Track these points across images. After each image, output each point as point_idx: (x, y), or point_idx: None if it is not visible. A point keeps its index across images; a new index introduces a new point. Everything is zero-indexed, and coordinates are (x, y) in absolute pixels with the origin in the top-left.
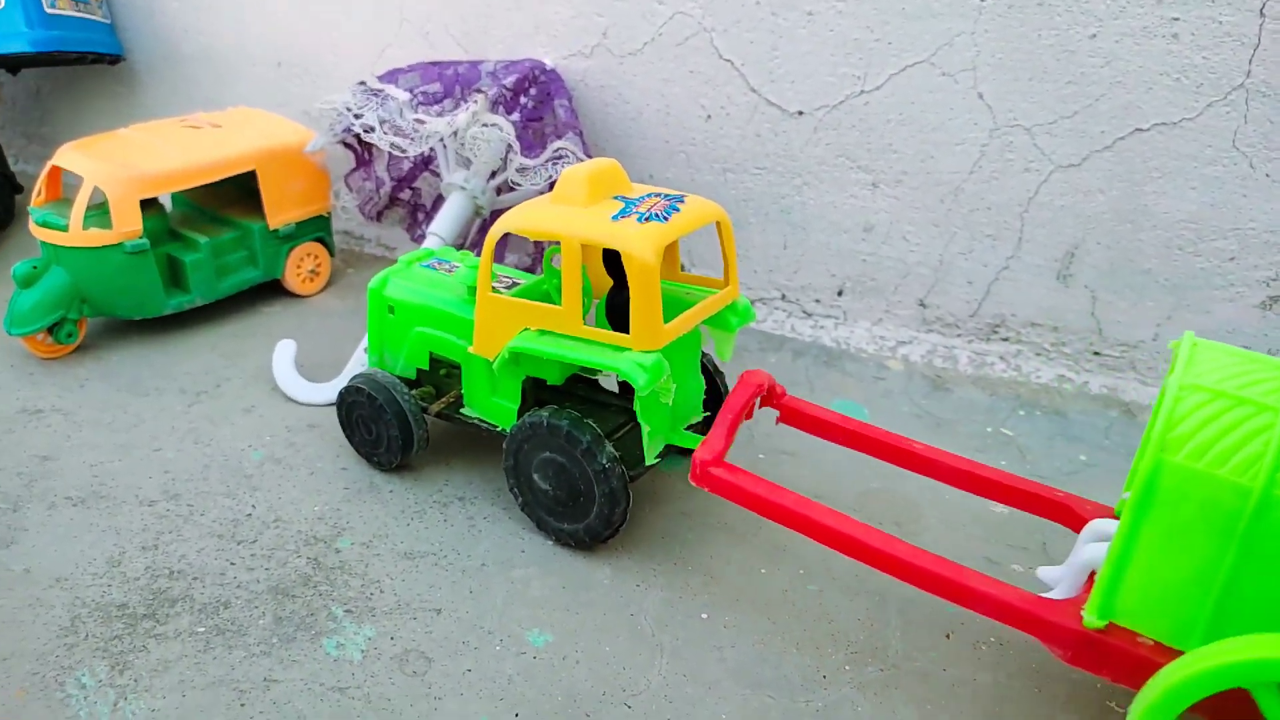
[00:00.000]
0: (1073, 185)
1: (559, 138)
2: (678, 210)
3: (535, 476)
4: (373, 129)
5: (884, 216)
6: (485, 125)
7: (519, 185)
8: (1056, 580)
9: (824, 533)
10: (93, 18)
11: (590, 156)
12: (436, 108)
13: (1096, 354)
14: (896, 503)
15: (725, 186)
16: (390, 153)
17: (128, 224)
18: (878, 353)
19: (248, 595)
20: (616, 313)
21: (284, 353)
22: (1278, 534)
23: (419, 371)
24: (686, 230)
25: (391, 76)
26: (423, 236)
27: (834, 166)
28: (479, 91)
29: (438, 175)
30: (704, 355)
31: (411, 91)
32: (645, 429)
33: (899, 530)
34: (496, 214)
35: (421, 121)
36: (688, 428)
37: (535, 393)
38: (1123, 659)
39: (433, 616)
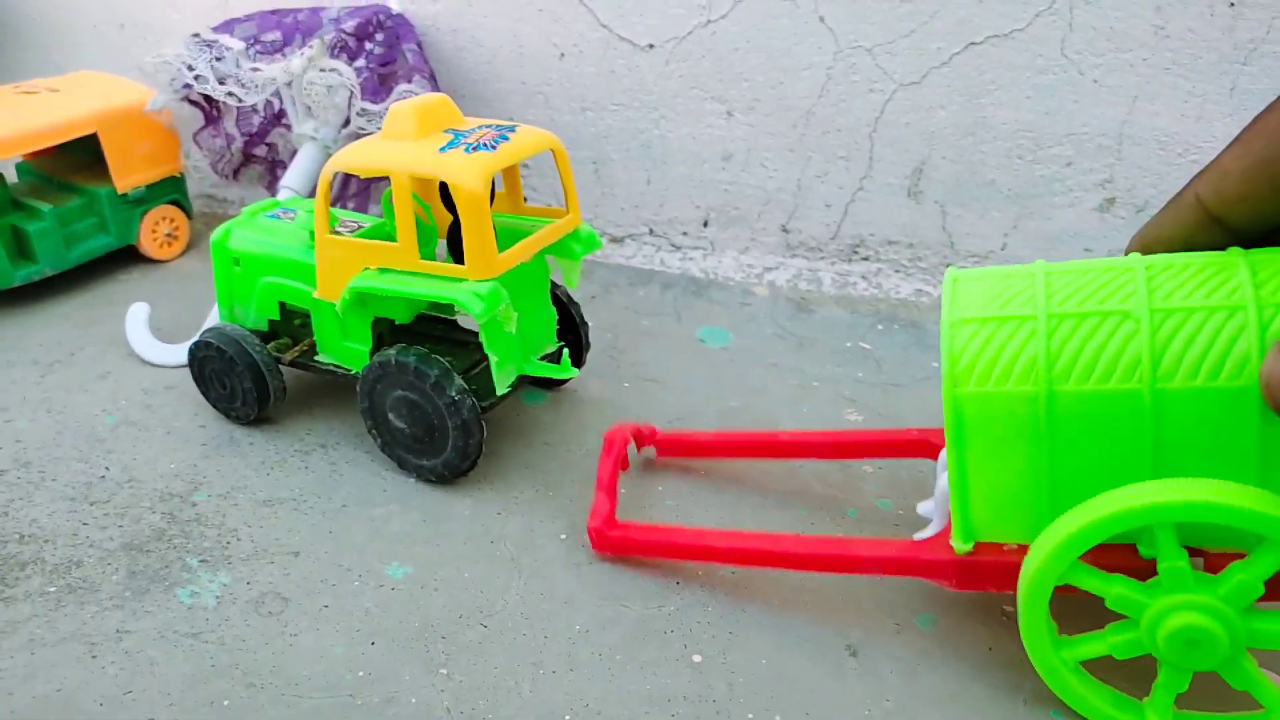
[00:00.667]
0: (915, 103)
1: (408, 82)
2: (507, 140)
3: (390, 415)
4: (207, 81)
5: (741, 145)
6: (324, 70)
7: (365, 131)
8: (930, 513)
9: (725, 555)
10: None
11: None
12: (276, 56)
13: (950, 266)
14: (757, 419)
15: (585, 125)
16: (238, 108)
17: None
18: (744, 280)
19: (100, 554)
20: (456, 247)
21: (137, 316)
22: (1071, 420)
23: (272, 323)
24: (516, 159)
25: (227, 26)
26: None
27: (689, 98)
28: (317, 38)
29: (291, 129)
30: (555, 285)
31: (248, 40)
32: (493, 359)
33: None
34: None
35: (258, 70)
36: (542, 357)
37: (391, 335)
38: (998, 570)
39: (290, 559)
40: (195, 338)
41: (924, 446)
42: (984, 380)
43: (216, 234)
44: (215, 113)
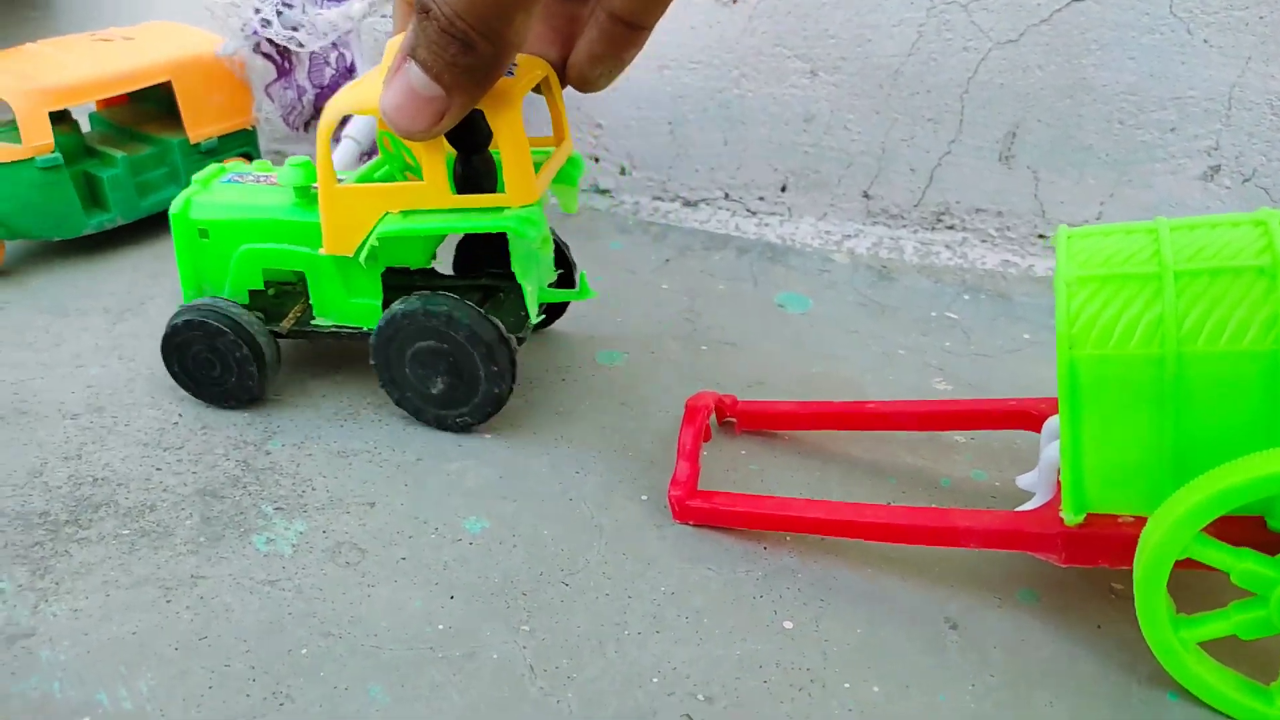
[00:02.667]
0: (1011, 62)
1: None
2: (514, 69)
3: (410, 369)
4: (270, 25)
5: (824, 106)
6: (387, 16)
7: None
8: (1033, 485)
9: (814, 525)
10: None
11: None
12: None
13: (1041, 237)
14: (839, 386)
15: (662, 84)
16: (310, 60)
17: (38, 138)
18: (823, 247)
19: (174, 499)
20: (468, 181)
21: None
22: (1200, 384)
23: (253, 294)
24: (530, 85)
25: None
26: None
27: (771, 56)
28: None
29: None
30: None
31: None
32: (527, 288)
33: None
34: None
35: (321, 15)
36: (548, 285)
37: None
38: (1111, 543)
39: (366, 510)
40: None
41: (1023, 417)
42: (1103, 342)
43: (175, 207)
44: (287, 64)
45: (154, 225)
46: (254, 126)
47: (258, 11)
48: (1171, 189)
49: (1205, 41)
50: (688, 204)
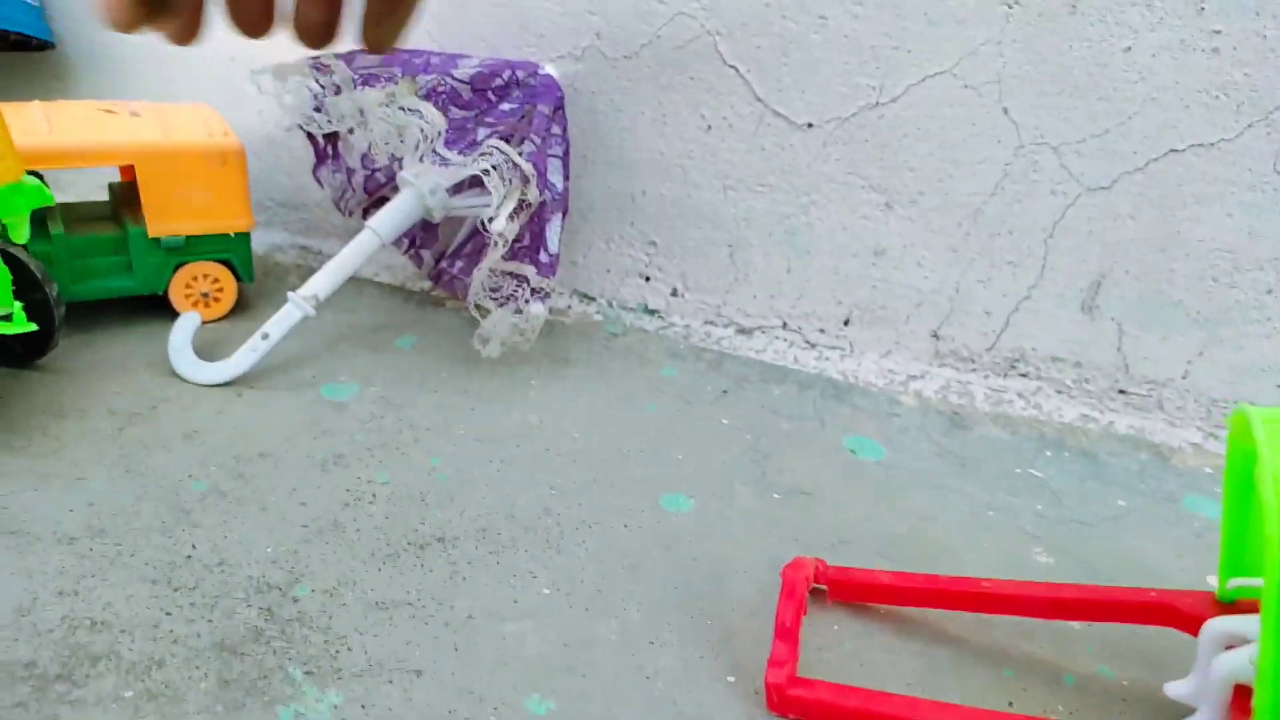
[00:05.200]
0: (1101, 209)
1: (519, 143)
2: None
3: None
4: (321, 109)
5: (897, 240)
6: (405, 110)
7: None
8: (1190, 699)
9: None
10: None
11: (554, 170)
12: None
13: (1122, 392)
14: (929, 548)
15: (725, 204)
16: (357, 144)
17: None
18: (888, 387)
19: (186, 652)
20: None
21: (184, 327)
22: None
23: None
24: None
25: (351, 56)
26: (405, 240)
27: (844, 185)
28: (408, 76)
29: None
30: (9, 245)
31: (355, 70)
32: None
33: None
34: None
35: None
36: None
37: None
38: None
39: (412, 680)
40: (237, 359)
41: (1169, 613)
42: None
43: None
44: (329, 150)
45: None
46: (239, 233)
47: (315, 97)
48: (1265, 352)
49: None
50: (742, 331)
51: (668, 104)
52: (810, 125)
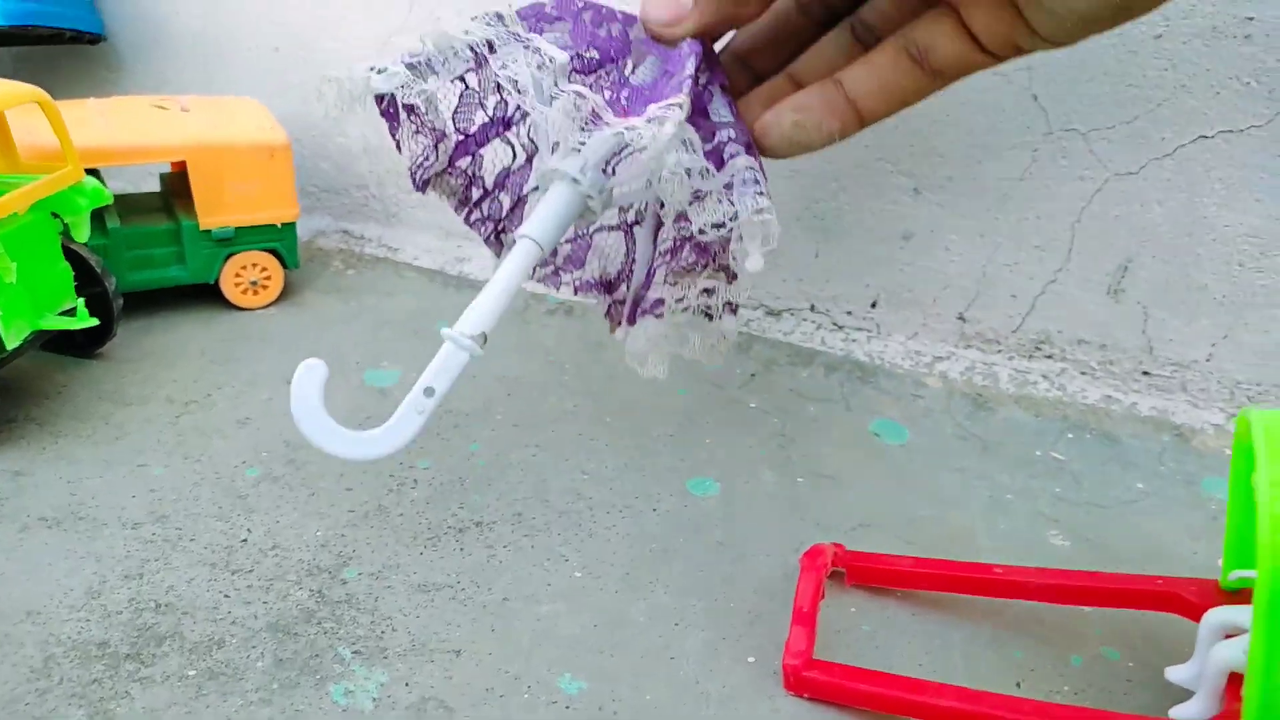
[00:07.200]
0: (1129, 194)
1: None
2: None
3: None
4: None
5: (924, 224)
6: (685, 145)
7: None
8: (1189, 683)
9: (943, 715)
10: None
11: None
12: (591, 79)
13: (1146, 374)
14: (948, 531)
15: None
16: (460, 99)
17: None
18: (914, 369)
19: (244, 633)
20: None
21: (310, 380)
22: None
23: None
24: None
25: (535, 17)
26: (483, 222)
27: (873, 170)
28: (678, 92)
29: (510, 145)
30: (71, 241)
31: (570, 53)
32: None
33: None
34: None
35: (598, 118)
36: (62, 313)
37: None
38: None
39: (452, 659)
40: (395, 426)
41: (1174, 601)
42: None
43: None
44: (410, 111)
45: (223, 307)
46: (286, 222)
47: (491, 51)
48: None
49: None
50: (770, 313)
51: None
52: None
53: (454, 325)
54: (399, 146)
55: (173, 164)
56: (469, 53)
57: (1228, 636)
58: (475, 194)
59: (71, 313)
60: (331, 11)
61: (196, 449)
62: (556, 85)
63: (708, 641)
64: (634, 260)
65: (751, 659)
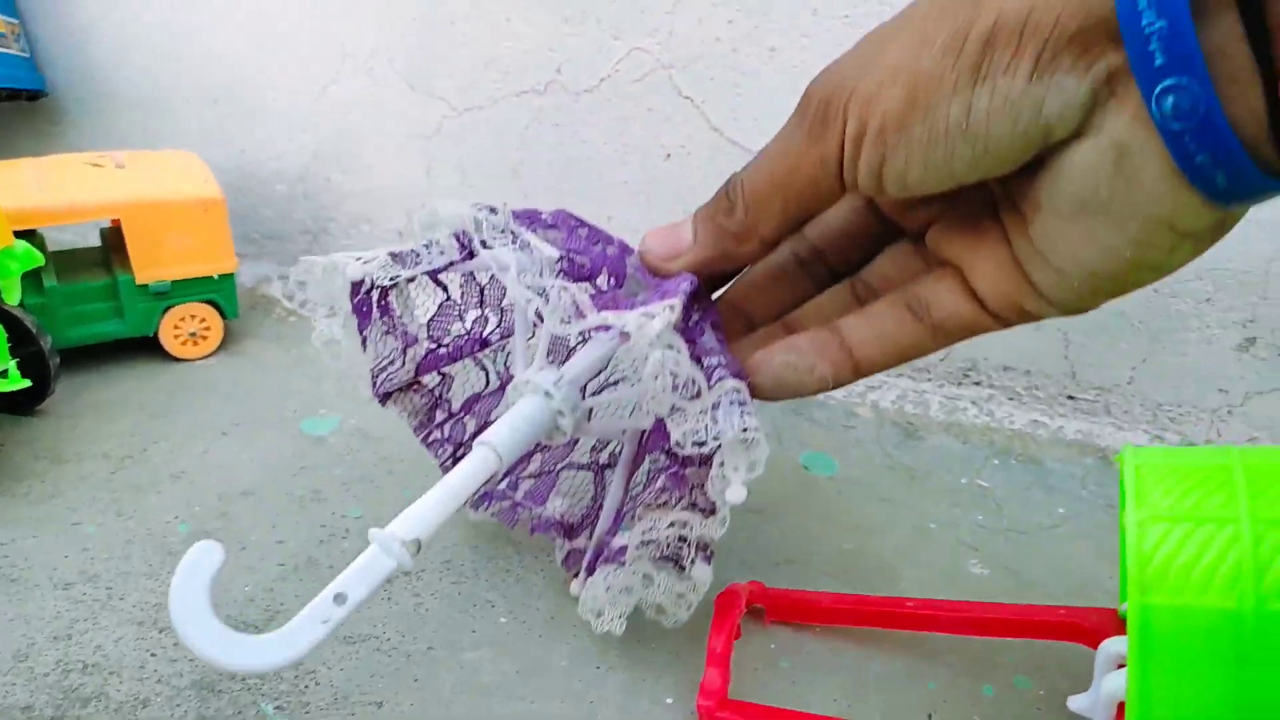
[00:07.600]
0: None
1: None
2: None
3: None
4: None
5: None
6: (670, 348)
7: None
8: (1089, 711)
9: None
10: (8, 51)
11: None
12: (587, 287)
13: (1070, 398)
14: (873, 567)
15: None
16: (439, 309)
17: None
18: (846, 398)
19: (169, 691)
20: None
21: (200, 570)
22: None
23: None
24: None
25: (529, 219)
26: (442, 444)
27: None
28: (668, 296)
29: (484, 369)
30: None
31: (561, 252)
32: None
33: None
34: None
35: (625, 322)
36: None
37: None
38: None
39: (373, 712)
40: (308, 620)
41: (1073, 630)
42: (1178, 591)
43: None
44: (381, 306)
45: (163, 359)
46: (222, 275)
47: (485, 246)
48: (1205, 358)
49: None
50: None
51: (628, 135)
52: None
53: (386, 526)
54: (364, 344)
55: (111, 219)
56: (454, 244)
57: (1120, 666)
58: (439, 416)
59: (3, 375)
60: (270, 62)
61: (130, 506)
62: (542, 276)
63: (626, 684)
64: (601, 505)
65: (670, 699)
